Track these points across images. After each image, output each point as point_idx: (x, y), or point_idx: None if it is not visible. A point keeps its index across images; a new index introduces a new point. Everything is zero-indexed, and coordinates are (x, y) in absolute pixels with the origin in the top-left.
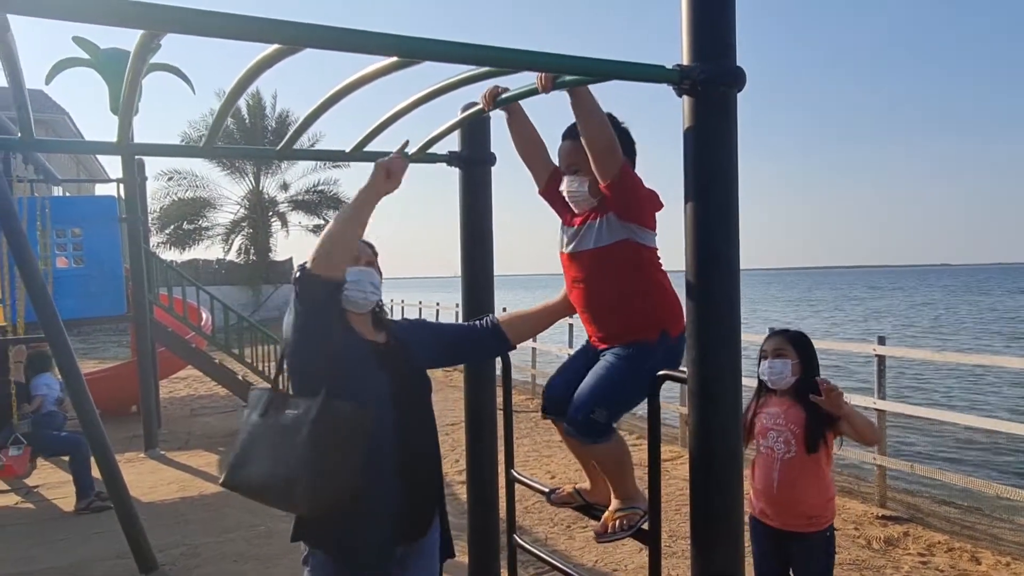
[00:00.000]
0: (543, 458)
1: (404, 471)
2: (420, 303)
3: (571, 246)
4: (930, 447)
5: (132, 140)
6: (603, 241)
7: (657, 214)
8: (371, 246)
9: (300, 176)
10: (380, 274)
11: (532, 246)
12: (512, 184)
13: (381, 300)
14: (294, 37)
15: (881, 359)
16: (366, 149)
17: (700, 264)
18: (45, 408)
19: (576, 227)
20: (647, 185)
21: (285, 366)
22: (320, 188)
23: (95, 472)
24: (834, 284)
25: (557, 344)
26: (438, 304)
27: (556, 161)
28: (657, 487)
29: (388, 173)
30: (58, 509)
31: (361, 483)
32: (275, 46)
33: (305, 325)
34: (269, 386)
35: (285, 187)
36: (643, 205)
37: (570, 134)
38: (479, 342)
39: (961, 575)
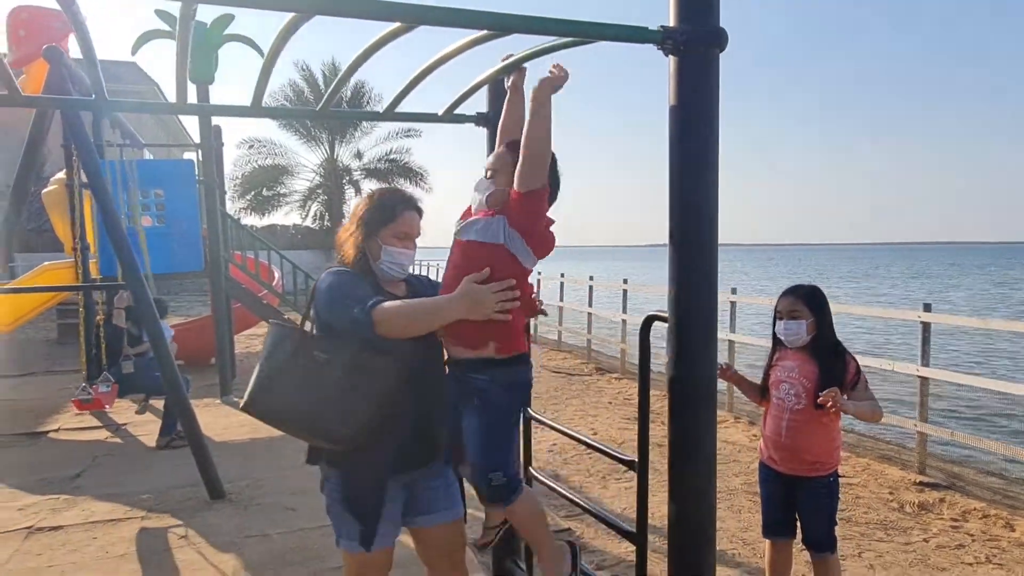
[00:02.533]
0: (588, 417)
1: (415, 407)
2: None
3: (457, 230)
4: (976, 415)
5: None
6: (483, 237)
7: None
8: (420, 212)
9: (373, 145)
10: (415, 246)
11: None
12: None
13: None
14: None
15: (926, 326)
16: (397, 110)
17: (679, 211)
18: (150, 353)
19: (469, 218)
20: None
21: (312, 313)
22: (392, 157)
23: None
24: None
25: (611, 310)
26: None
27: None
28: (645, 429)
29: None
30: (142, 444)
31: (378, 420)
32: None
33: (342, 283)
34: (290, 325)
35: (359, 155)
36: (536, 229)
37: (512, 147)
38: None
39: (991, 540)
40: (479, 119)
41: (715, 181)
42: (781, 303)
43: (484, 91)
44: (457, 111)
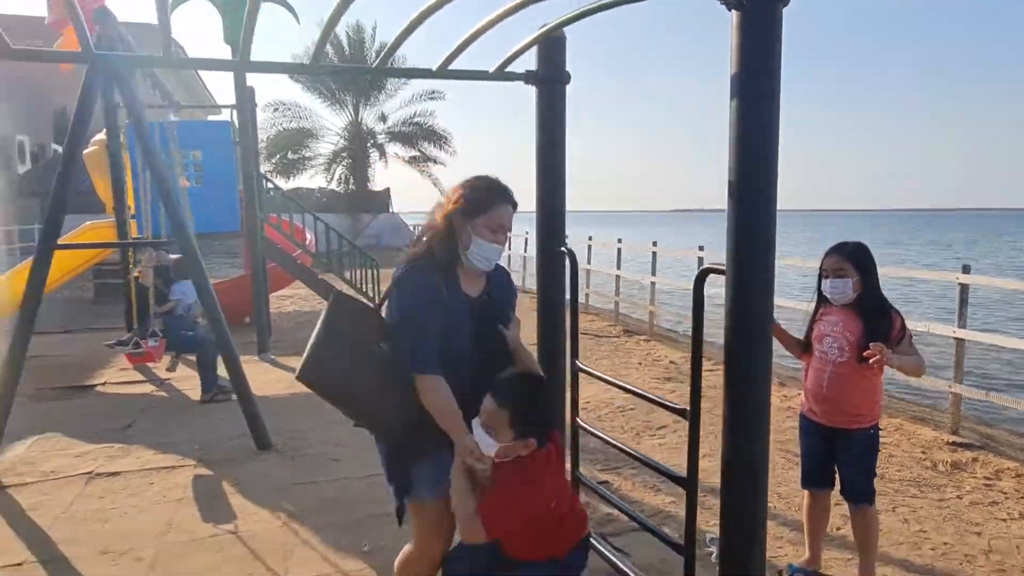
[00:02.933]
0: (619, 377)
1: (474, 391)
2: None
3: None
4: (1008, 381)
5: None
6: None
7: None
8: (515, 205)
9: (397, 108)
10: (506, 240)
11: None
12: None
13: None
14: None
15: (964, 288)
16: (450, 67)
17: (740, 164)
18: (178, 311)
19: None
20: None
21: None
22: (416, 120)
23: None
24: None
25: (640, 273)
26: (527, 232)
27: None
28: (698, 378)
29: (470, 459)
30: (187, 398)
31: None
32: None
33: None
34: (360, 299)
35: (383, 118)
36: None
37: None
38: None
39: None
40: (528, 77)
41: (776, 133)
42: (827, 261)
43: (534, 50)
44: (508, 70)
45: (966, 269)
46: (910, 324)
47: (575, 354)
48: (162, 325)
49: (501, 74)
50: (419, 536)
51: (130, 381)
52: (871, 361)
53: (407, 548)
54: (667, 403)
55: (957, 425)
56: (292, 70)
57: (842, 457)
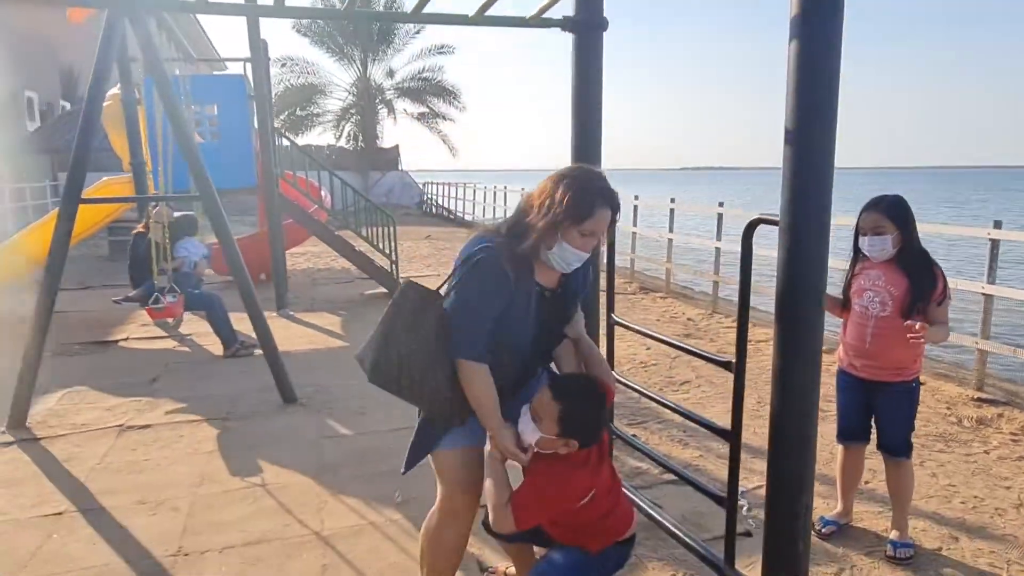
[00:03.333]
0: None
1: (527, 377)
2: (522, 189)
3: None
4: None
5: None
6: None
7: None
8: (615, 208)
9: (405, 63)
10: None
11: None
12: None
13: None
14: None
15: (995, 243)
16: (487, 13)
17: (797, 110)
18: (184, 269)
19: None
20: None
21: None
22: (424, 75)
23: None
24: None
25: (658, 229)
26: (523, 189)
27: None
28: (744, 330)
29: (504, 449)
30: (210, 353)
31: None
32: None
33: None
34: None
35: (391, 74)
36: None
37: (558, 394)
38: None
39: None
40: (566, 23)
41: (836, 79)
42: (864, 219)
43: None
44: (545, 16)
45: (998, 224)
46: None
47: (611, 307)
48: (168, 283)
49: (539, 20)
50: (441, 487)
51: (152, 336)
52: (909, 337)
53: (432, 510)
54: (712, 356)
55: (982, 382)
56: (327, 15)
57: (882, 410)
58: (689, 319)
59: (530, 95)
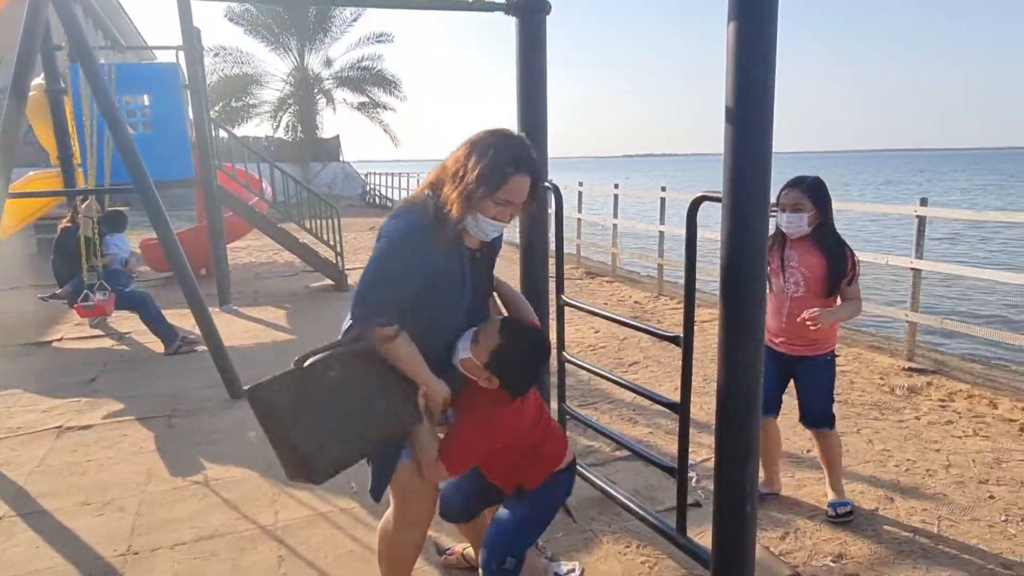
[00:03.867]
0: (587, 317)
1: (463, 330)
2: None
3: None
4: (964, 307)
5: None
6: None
7: None
8: (534, 174)
9: (343, 52)
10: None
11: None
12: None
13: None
14: None
15: (921, 220)
16: None
17: (737, 89)
18: (113, 266)
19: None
20: None
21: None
22: (364, 64)
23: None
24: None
25: (602, 215)
26: None
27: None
28: (691, 306)
29: (435, 403)
30: (151, 351)
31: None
32: None
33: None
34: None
35: (328, 63)
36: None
37: (505, 331)
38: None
39: (977, 417)
40: (508, 7)
41: (773, 57)
42: (785, 196)
43: None
44: None
45: (923, 202)
46: (871, 256)
47: (560, 289)
48: (97, 279)
49: (481, 4)
50: (397, 497)
51: (88, 336)
52: (809, 325)
53: (388, 514)
54: (660, 331)
55: (912, 352)
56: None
57: (802, 384)
58: (636, 302)
59: (474, 83)
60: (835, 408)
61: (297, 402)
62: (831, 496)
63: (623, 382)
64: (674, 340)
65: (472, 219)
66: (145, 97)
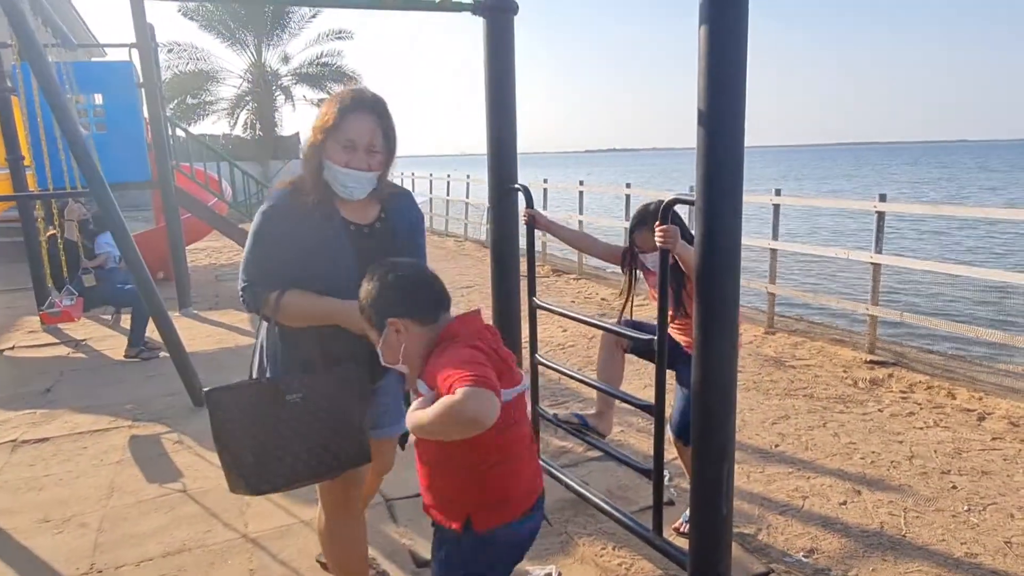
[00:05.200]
0: (555, 316)
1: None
2: (430, 175)
3: None
4: (922, 301)
5: None
6: None
7: None
8: (379, 113)
9: (302, 48)
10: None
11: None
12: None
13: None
14: None
15: (880, 215)
16: None
17: (709, 90)
18: (108, 264)
19: None
20: None
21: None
22: (323, 61)
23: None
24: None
25: (567, 212)
26: (468, 176)
27: None
28: (665, 309)
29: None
30: (108, 358)
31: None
32: None
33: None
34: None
35: (285, 59)
36: None
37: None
38: None
39: (937, 407)
40: (476, 7)
41: (744, 58)
42: (643, 239)
43: None
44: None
45: (883, 197)
46: (832, 251)
47: (532, 291)
48: (94, 280)
49: (448, 4)
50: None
51: (42, 344)
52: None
53: (319, 507)
54: (636, 334)
55: (873, 345)
56: None
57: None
58: (603, 299)
59: (441, 82)
60: (801, 402)
61: (251, 414)
62: None
63: (597, 385)
64: (647, 343)
65: (328, 172)
66: (99, 96)
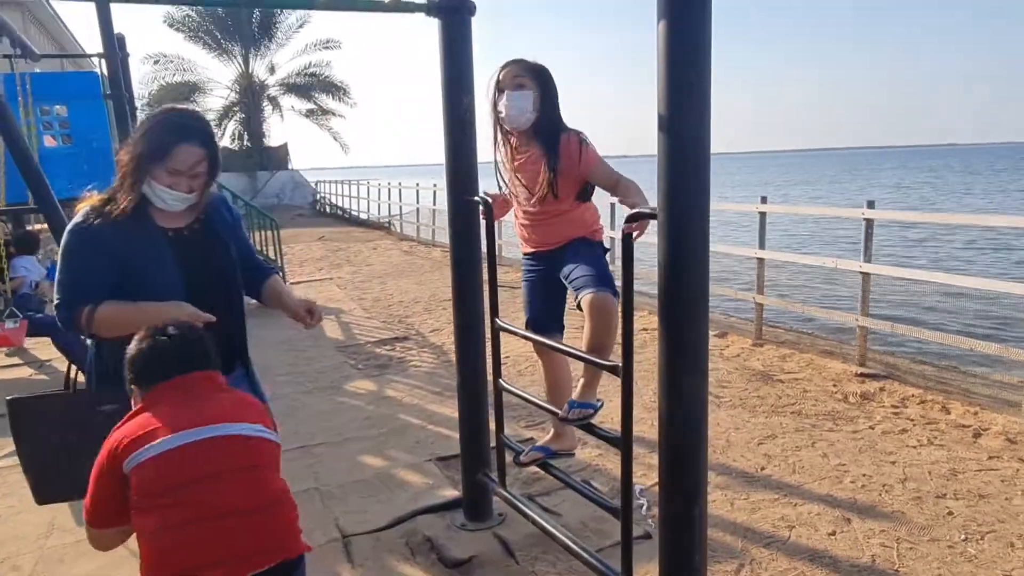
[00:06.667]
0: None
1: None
2: (417, 184)
3: None
4: (913, 311)
5: None
6: None
7: None
8: (205, 142)
9: (289, 58)
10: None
11: None
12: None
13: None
14: None
15: (869, 223)
16: None
17: (670, 97)
18: (23, 289)
19: None
20: None
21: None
22: (311, 71)
23: None
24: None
25: None
26: (418, 185)
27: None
28: (630, 332)
29: (191, 315)
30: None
31: None
32: None
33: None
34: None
35: (272, 70)
36: None
37: None
38: (249, 272)
39: (931, 423)
40: (429, 8)
41: (708, 63)
42: (503, 74)
43: None
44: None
45: (871, 204)
46: (819, 260)
47: (495, 311)
48: (8, 306)
49: (398, 4)
50: None
51: (2, 366)
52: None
53: None
54: (598, 360)
55: (864, 357)
56: (159, 0)
57: (568, 262)
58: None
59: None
60: (789, 419)
61: (58, 424)
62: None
63: (562, 415)
64: (612, 370)
65: (148, 188)
66: (63, 108)
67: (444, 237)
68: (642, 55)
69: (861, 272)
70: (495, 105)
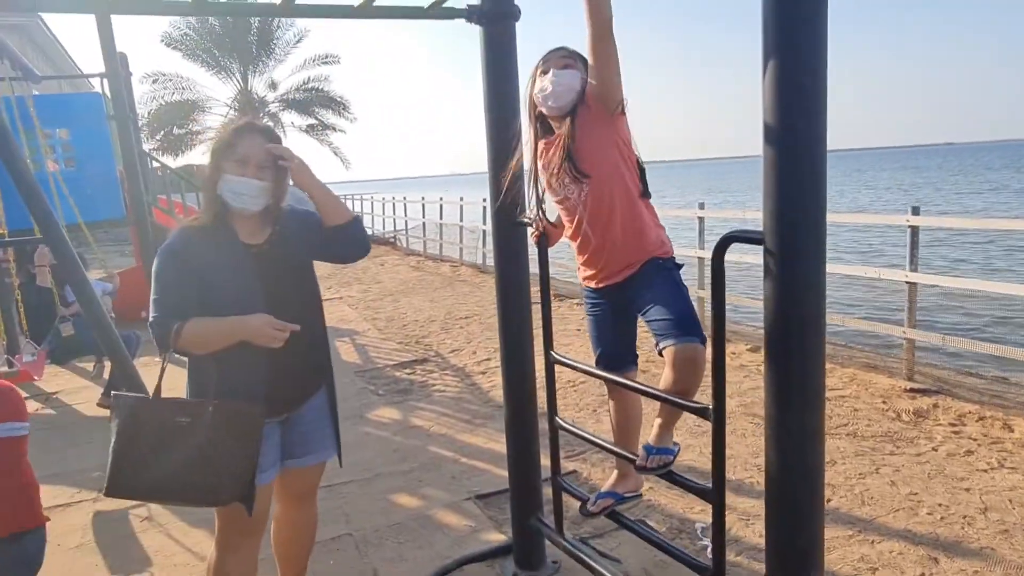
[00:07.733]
0: (561, 346)
1: (273, 360)
2: (441, 199)
3: None
4: (961, 321)
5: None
6: None
7: None
8: (267, 135)
9: (289, 74)
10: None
11: None
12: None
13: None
14: None
15: (914, 230)
16: (375, 3)
17: (779, 104)
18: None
19: None
20: None
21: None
22: (310, 86)
23: None
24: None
25: None
26: (462, 199)
27: None
28: (722, 371)
29: (271, 335)
30: (79, 414)
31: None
32: None
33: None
34: (133, 397)
35: (273, 86)
36: None
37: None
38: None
39: (995, 443)
40: (472, 13)
41: (824, 69)
42: (550, 58)
43: None
44: (446, 4)
45: (915, 211)
46: (862, 270)
47: (548, 343)
48: (72, 329)
49: (439, 11)
50: (219, 522)
51: None
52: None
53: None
54: (685, 402)
55: (912, 371)
56: (173, 11)
57: (641, 302)
58: None
59: (432, 100)
60: (845, 442)
61: (145, 425)
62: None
63: (640, 462)
64: (701, 413)
65: (224, 183)
66: (66, 131)
67: (452, 252)
68: (643, 55)
69: (907, 282)
70: (533, 89)
